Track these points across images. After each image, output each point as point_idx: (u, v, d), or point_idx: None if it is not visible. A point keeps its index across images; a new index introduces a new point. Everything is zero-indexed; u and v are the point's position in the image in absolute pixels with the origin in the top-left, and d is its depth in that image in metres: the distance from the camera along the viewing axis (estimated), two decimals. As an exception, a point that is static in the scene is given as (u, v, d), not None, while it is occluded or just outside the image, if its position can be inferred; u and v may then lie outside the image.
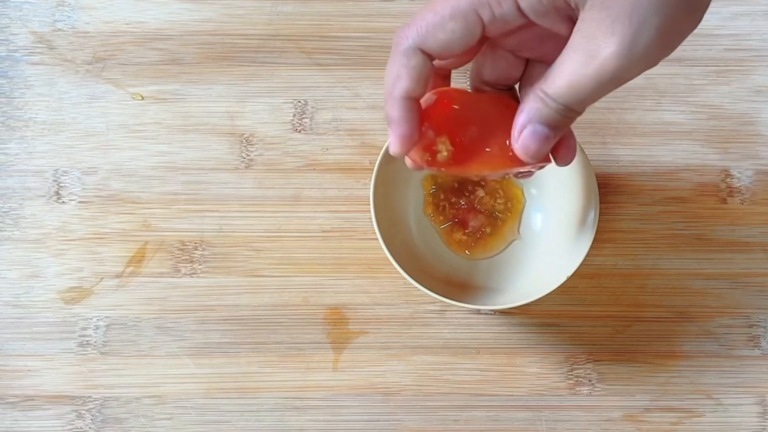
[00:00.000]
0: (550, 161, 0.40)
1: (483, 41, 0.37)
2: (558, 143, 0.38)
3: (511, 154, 0.38)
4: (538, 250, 0.53)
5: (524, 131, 0.36)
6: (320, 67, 0.58)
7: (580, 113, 0.36)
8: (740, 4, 0.59)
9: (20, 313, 0.55)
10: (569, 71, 0.34)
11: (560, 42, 0.35)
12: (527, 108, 0.36)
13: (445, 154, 0.38)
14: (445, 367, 0.54)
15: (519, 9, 0.33)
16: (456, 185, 0.54)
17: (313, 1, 0.60)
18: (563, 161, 0.40)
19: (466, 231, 0.54)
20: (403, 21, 0.59)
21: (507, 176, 0.51)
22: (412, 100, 0.36)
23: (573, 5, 0.33)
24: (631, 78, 0.34)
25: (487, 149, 0.39)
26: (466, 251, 0.54)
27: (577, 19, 0.33)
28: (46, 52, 0.59)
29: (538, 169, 0.42)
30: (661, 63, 0.34)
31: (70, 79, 0.58)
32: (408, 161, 0.39)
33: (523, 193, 0.55)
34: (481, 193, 0.54)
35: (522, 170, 0.41)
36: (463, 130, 0.39)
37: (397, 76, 0.36)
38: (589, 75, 0.33)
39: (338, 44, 0.59)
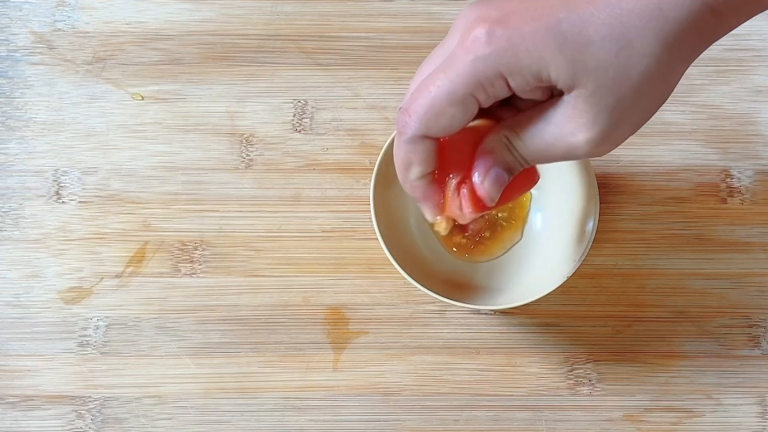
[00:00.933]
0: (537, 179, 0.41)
1: None
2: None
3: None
4: (538, 250, 0.53)
5: (488, 174, 0.38)
6: (320, 67, 0.58)
7: (529, 165, 0.39)
8: (740, 4, 0.59)
9: (20, 313, 0.55)
10: (543, 140, 0.36)
11: None
12: (494, 153, 0.38)
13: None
14: (445, 367, 0.54)
15: (509, 87, 0.35)
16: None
17: (313, 1, 0.60)
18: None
19: (466, 234, 0.54)
20: (403, 21, 0.59)
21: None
22: (429, 176, 0.38)
23: (559, 88, 0.34)
24: (595, 156, 0.37)
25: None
26: (466, 254, 0.54)
27: (556, 92, 0.35)
28: (46, 52, 0.59)
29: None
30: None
31: (70, 79, 0.58)
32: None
33: (529, 199, 0.54)
34: None
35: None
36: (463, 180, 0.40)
37: (409, 163, 0.38)
38: (559, 149, 0.36)
39: (338, 44, 0.59)
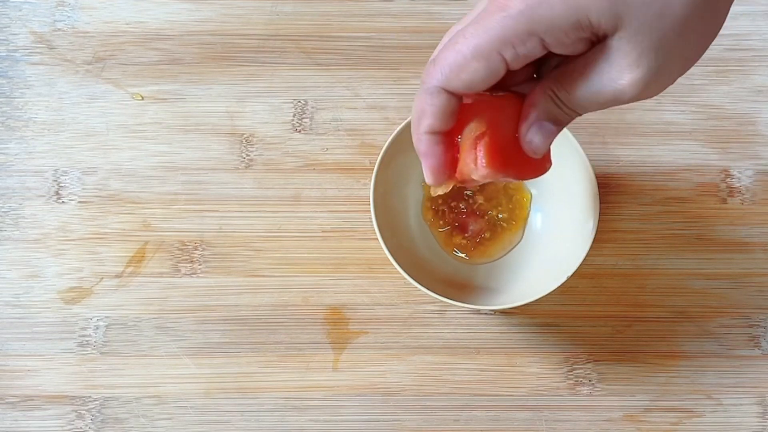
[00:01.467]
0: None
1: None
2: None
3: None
4: (538, 250, 0.53)
5: (533, 127, 0.37)
6: (320, 67, 0.58)
7: (581, 115, 0.37)
8: (740, 4, 0.59)
9: (20, 313, 0.55)
10: (589, 89, 0.35)
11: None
12: (538, 106, 0.37)
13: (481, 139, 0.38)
14: (445, 367, 0.54)
15: (543, 45, 0.34)
16: (456, 188, 0.54)
17: (313, 1, 0.60)
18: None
19: (466, 235, 0.54)
20: (403, 21, 0.59)
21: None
22: (438, 135, 0.37)
23: (600, 35, 0.33)
24: (647, 98, 0.35)
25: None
26: (465, 256, 0.54)
27: (599, 41, 0.34)
28: (46, 52, 0.59)
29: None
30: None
31: (70, 79, 0.58)
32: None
33: (529, 200, 0.54)
34: (480, 199, 0.54)
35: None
36: (500, 135, 0.38)
37: (422, 113, 0.36)
38: (606, 95, 0.35)
39: (338, 44, 0.59)
